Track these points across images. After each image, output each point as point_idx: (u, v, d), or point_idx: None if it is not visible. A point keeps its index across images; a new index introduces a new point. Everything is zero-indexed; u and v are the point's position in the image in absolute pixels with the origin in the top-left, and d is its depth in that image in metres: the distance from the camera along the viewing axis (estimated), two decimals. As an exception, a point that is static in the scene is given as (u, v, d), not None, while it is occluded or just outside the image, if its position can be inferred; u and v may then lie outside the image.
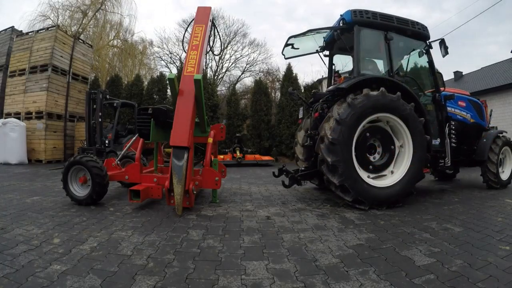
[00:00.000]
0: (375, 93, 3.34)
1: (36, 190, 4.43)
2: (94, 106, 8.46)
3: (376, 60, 4.18)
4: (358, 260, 1.95)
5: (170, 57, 25.17)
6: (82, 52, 11.04)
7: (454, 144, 4.26)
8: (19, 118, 9.32)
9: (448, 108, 4.33)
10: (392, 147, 3.58)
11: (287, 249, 2.15)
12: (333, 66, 4.75)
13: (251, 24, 50.87)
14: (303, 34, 4.37)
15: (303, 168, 4.06)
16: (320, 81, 20.05)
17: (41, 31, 10.36)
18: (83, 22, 16.16)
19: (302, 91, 11.86)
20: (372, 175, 3.51)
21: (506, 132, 4.89)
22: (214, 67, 25.71)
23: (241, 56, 25.97)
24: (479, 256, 1.99)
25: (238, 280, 1.68)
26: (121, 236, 2.39)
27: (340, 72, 4.63)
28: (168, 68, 25.58)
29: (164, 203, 3.62)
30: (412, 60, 4.25)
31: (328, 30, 4.34)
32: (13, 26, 11.07)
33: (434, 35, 4.16)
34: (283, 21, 46.21)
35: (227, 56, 25.78)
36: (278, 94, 15.05)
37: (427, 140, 3.56)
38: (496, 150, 4.37)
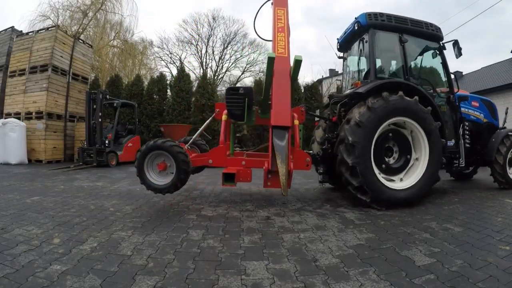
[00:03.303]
0: (395, 97, 3.35)
1: (36, 190, 4.42)
2: (94, 106, 8.46)
3: (391, 62, 4.20)
4: (358, 260, 1.95)
5: (170, 57, 25.21)
6: (82, 52, 11.02)
7: (468, 145, 4.29)
8: (19, 118, 9.30)
9: (462, 109, 4.34)
10: (408, 156, 3.59)
11: (287, 249, 2.15)
12: (347, 68, 4.75)
13: (251, 23, 50.77)
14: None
15: (321, 171, 4.09)
16: (320, 81, 20.00)
17: (41, 31, 10.33)
18: (83, 22, 16.15)
19: (302, 91, 11.85)
20: (382, 174, 3.50)
21: None
22: (214, 67, 25.74)
23: (241, 56, 26.00)
24: (479, 256, 1.99)
25: (238, 280, 1.68)
26: (121, 236, 2.39)
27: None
28: (168, 68, 25.63)
29: (164, 203, 3.63)
30: (425, 61, 4.26)
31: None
32: (13, 26, 11.05)
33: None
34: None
35: (227, 56, 25.81)
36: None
37: (442, 144, 3.58)
38: (503, 151, 4.33)
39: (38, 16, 15.75)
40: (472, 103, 4.57)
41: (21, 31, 11.23)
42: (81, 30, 15.86)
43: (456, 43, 4.09)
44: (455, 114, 4.20)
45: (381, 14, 3.79)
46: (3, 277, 1.66)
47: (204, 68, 25.39)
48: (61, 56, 9.96)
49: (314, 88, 12.44)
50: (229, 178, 3.19)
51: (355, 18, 3.95)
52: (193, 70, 25.01)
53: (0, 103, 10.08)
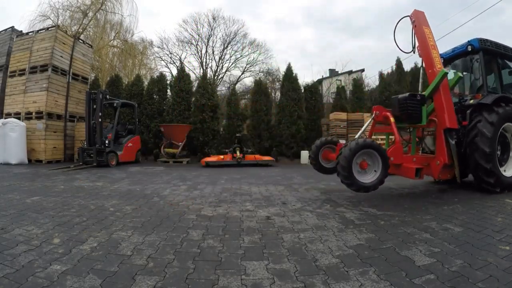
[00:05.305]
0: (501, 109, 4.15)
1: (36, 190, 4.42)
2: (94, 106, 8.46)
3: (491, 79, 4.93)
4: (358, 260, 1.96)
5: (170, 57, 25.20)
6: (82, 52, 11.02)
7: None
8: (19, 118, 9.30)
9: None
10: (508, 150, 4.48)
11: (287, 249, 2.15)
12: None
13: (251, 24, 50.94)
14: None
15: None
16: (320, 81, 19.99)
17: (41, 31, 10.33)
18: (83, 22, 16.14)
19: (302, 91, 11.85)
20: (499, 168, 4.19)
21: None
22: (214, 67, 25.74)
23: (241, 56, 25.98)
24: (479, 256, 1.99)
25: (238, 280, 1.68)
26: (121, 236, 2.39)
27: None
28: (168, 68, 25.61)
29: (164, 203, 3.63)
30: (507, 77, 5.06)
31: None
32: (13, 26, 11.04)
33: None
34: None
35: (227, 56, 25.81)
36: (278, 94, 15.03)
37: None
38: None
39: (38, 16, 15.75)
40: None
41: (21, 31, 11.22)
42: (81, 30, 15.86)
43: None
44: None
45: (488, 40, 4.63)
46: (3, 277, 1.66)
47: (204, 68, 25.37)
48: (61, 56, 9.96)
49: (314, 88, 12.45)
50: (417, 172, 3.77)
51: (468, 41, 4.73)
52: (193, 70, 24.98)
53: (0, 103, 10.08)
